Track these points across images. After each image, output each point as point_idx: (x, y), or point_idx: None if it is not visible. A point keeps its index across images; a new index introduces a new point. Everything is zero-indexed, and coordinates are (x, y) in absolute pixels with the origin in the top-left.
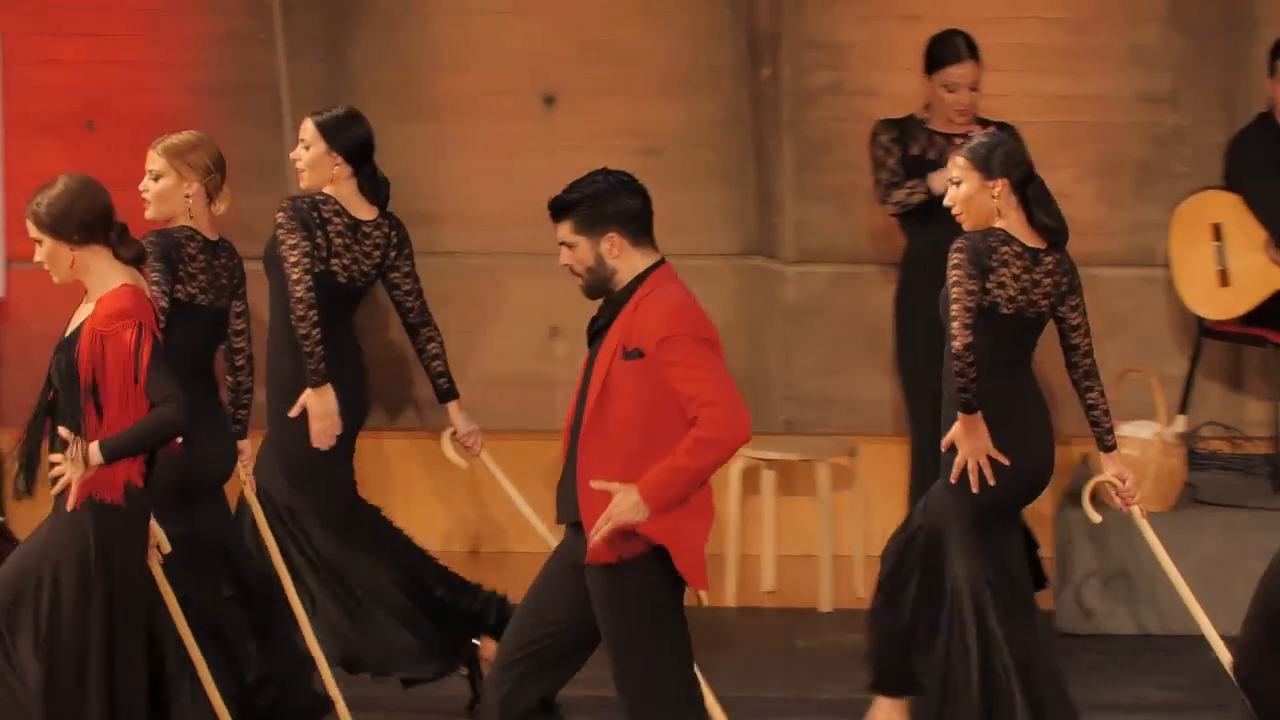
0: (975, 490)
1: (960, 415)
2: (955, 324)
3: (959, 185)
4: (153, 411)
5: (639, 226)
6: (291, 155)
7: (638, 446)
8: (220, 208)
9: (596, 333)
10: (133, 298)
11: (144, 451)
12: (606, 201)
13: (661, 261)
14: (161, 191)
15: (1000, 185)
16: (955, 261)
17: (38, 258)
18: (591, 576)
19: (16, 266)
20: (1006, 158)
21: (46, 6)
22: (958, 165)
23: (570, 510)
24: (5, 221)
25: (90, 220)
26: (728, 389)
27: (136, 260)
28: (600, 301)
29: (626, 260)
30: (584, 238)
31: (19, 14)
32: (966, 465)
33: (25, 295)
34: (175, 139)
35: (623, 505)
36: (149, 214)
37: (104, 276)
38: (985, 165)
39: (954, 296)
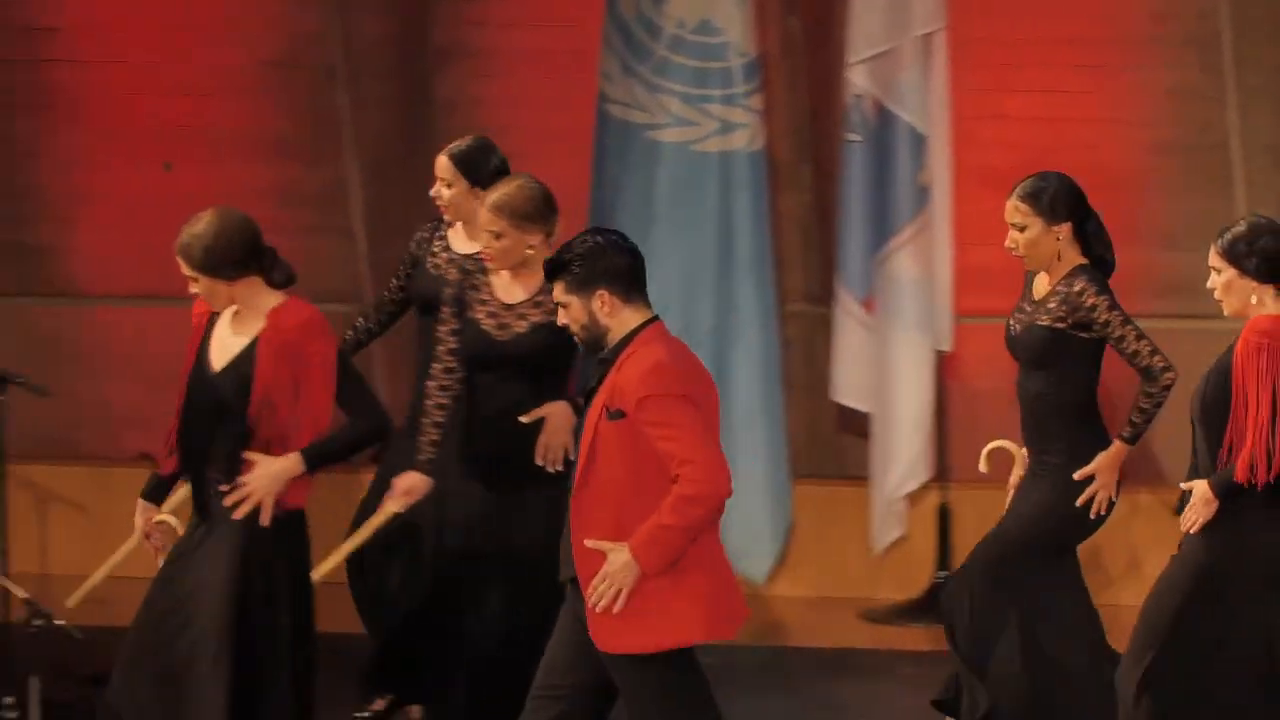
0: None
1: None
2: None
3: (1023, 230)
4: (357, 422)
5: (630, 284)
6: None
7: (627, 506)
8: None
9: (590, 392)
10: (309, 308)
11: (343, 461)
12: (597, 260)
13: (653, 320)
14: (503, 250)
15: (1065, 229)
16: (1106, 297)
17: (194, 290)
18: (609, 662)
19: (965, 321)
20: (1069, 199)
21: (998, 64)
22: (1020, 211)
23: (569, 567)
24: (953, 274)
25: (242, 256)
26: (705, 445)
27: (287, 283)
28: None
29: (618, 318)
30: (576, 297)
31: (971, 70)
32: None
33: (972, 350)
34: (504, 196)
35: (615, 565)
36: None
37: (259, 303)
38: (1050, 210)
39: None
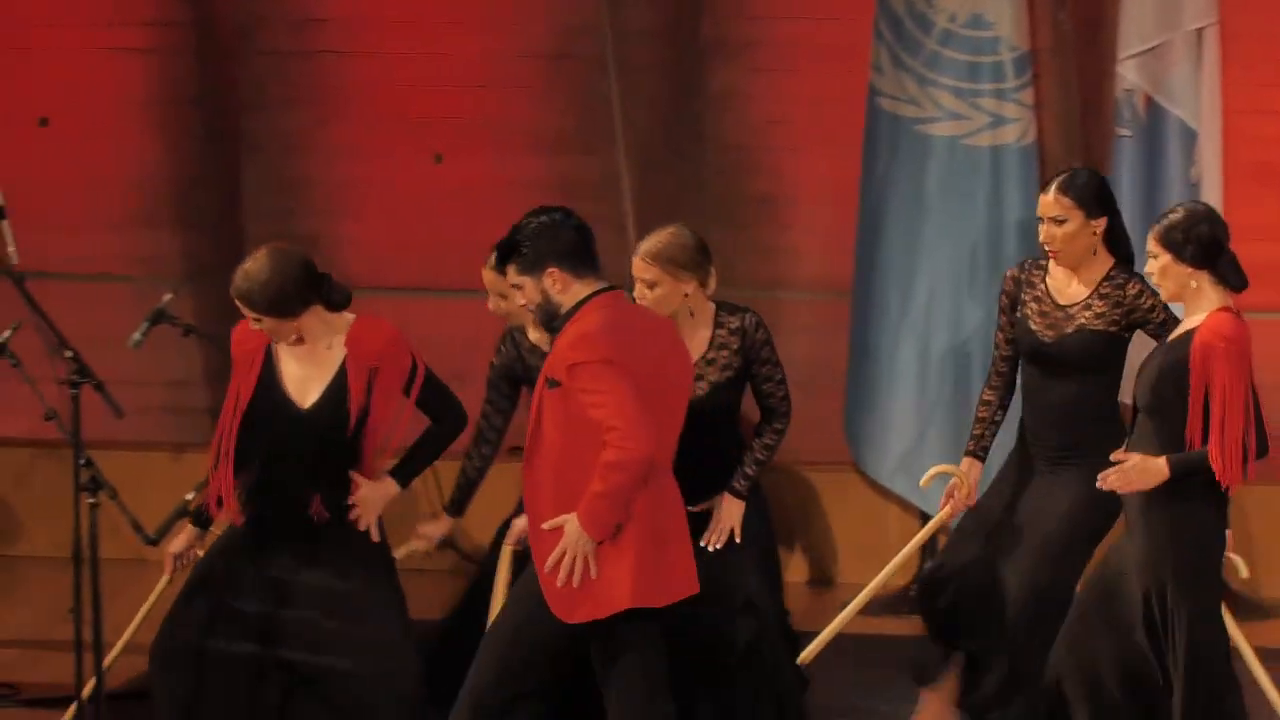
0: None
1: None
2: None
3: (1061, 224)
4: (439, 427)
5: (578, 259)
6: None
7: (566, 474)
8: (712, 286)
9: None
10: (384, 323)
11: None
12: (544, 239)
13: (602, 290)
14: (658, 299)
15: (1103, 223)
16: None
17: (256, 327)
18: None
19: None
20: (1105, 194)
21: (1270, 58)
22: (1061, 205)
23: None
24: None
25: (304, 291)
26: (627, 409)
27: (344, 304)
28: None
29: (569, 293)
30: (528, 278)
31: (1243, 65)
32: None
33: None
34: (658, 244)
35: (570, 537)
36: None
37: (327, 329)
38: (1091, 204)
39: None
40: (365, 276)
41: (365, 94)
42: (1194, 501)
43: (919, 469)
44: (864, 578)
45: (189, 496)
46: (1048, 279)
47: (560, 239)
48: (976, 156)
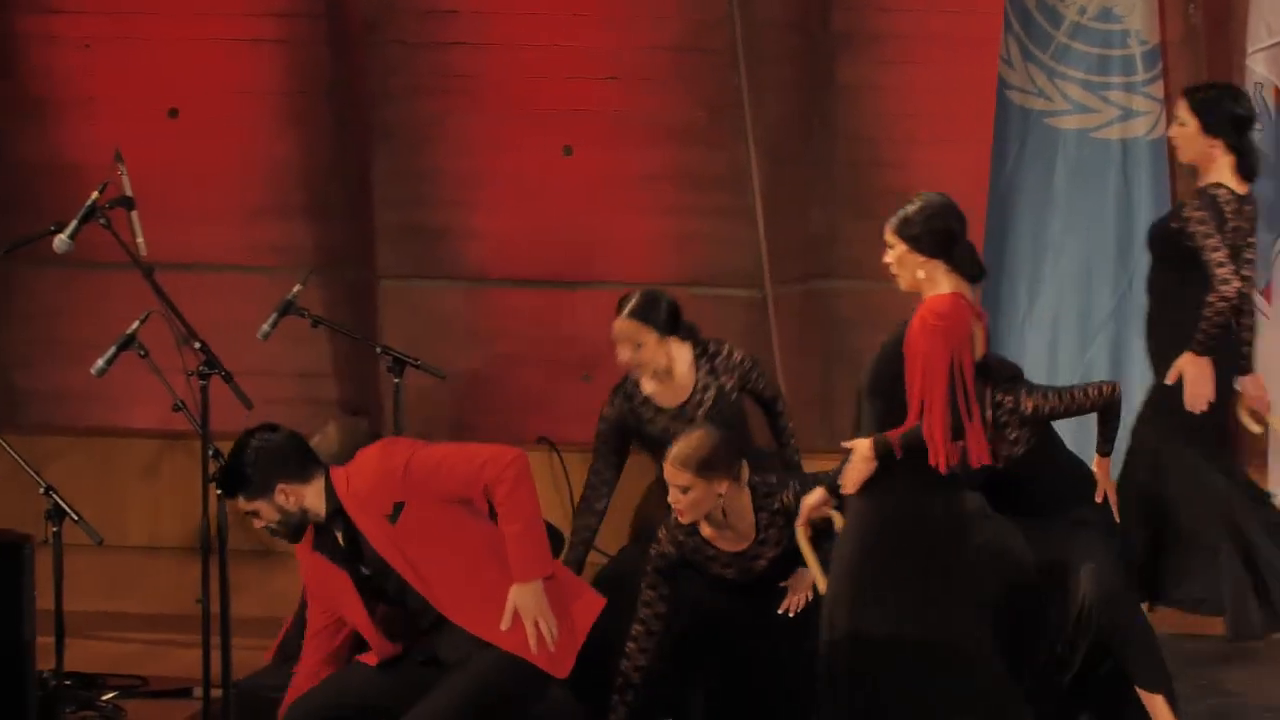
0: None
1: None
2: None
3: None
4: None
5: (301, 463)
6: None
7: (476, 572)
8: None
9: (344, 552)
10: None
11: None
12: (262, 464)
13: (329, 473)
14: (693, 502)
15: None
16: None
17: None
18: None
19: None
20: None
21: None
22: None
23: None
24: None
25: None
26: (468, 448)
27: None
28: None
29: (306, 498)
30: (261, 502)
31: None
32: None
33: None
34: (687, 450)
35: (526, 601)
36: None
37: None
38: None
39: None
40: (493, 268)
41: (495, 85)
42: (900, 481)
43: None
44: None
45: None
46: None
47: (276, 457)
48: (1106, 149)
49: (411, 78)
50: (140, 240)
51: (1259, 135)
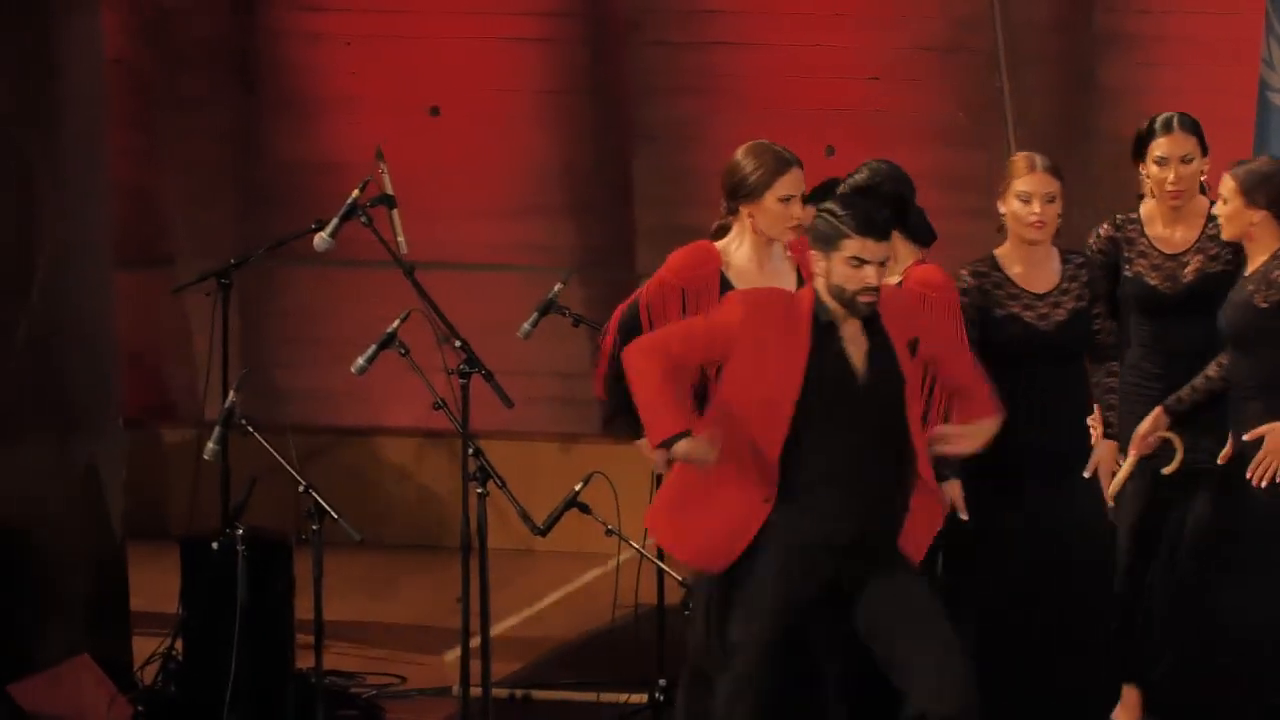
0: None
1: None
2: None
3: (1189, 163)
4: None
5: None
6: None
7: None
8: None
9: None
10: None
11: None
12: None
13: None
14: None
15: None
16: None
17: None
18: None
19: None
20: None
21: None
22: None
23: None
24: None
25: None
26: None
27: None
28: None
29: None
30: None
31: None
32: None
33: None
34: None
35: None
36: None
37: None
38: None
39: None
40: None
41: (756, 85)
42: None
43: None
44: None
45: (578, 487)
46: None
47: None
48: None
49: (673, 78)
50: (401, 239)
51: None
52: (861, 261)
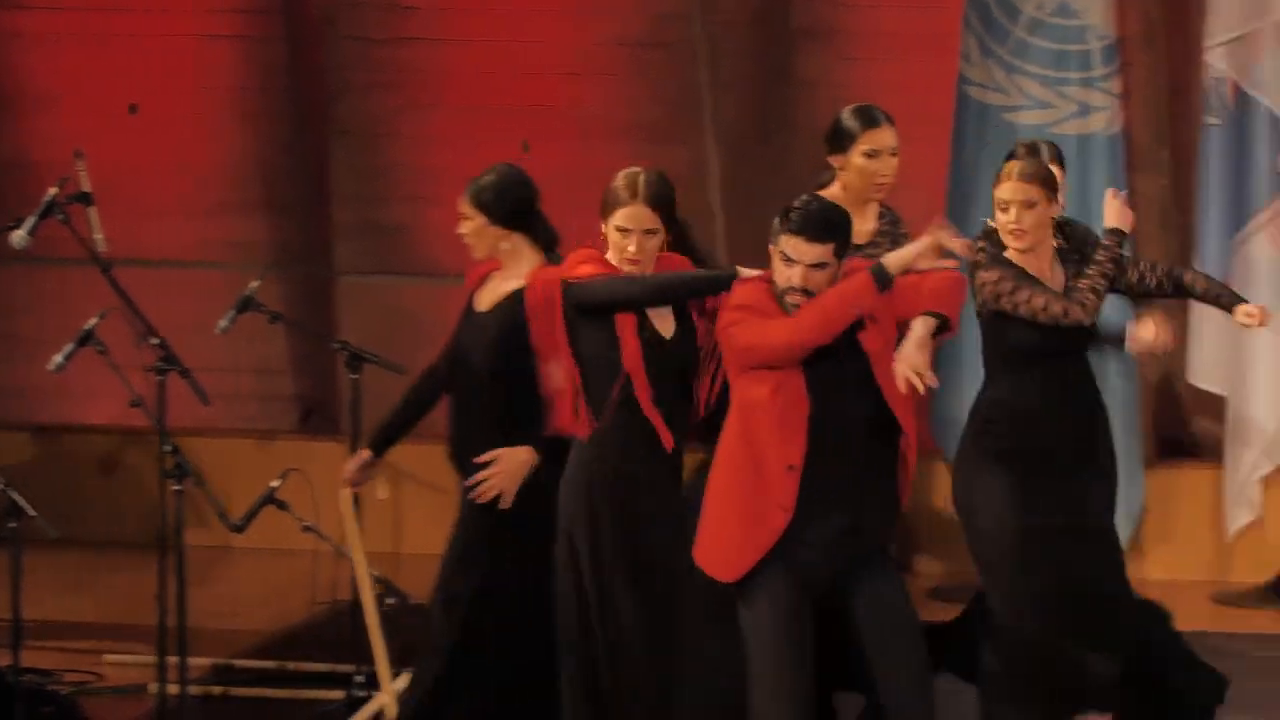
0: None
1: None
2: None
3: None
4: None
5: None
6: None
7: None
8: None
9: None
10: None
11: None
12: None
13: None
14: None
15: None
16: None
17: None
18: None
19: None
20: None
21: None
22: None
23: None
24: None
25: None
26: None
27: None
28: None
29: None
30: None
31: None
32: None
33: None
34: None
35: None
36: None
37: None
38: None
39: None
40: (450, 264)
41: (454, 81)
42: None
43: None
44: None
45: (274, 483)
46: None
47: None
48: (1063, 145)
49: (370, 74)
50: (99, 236)
51: (1217, 131)
52: (789, 260)
